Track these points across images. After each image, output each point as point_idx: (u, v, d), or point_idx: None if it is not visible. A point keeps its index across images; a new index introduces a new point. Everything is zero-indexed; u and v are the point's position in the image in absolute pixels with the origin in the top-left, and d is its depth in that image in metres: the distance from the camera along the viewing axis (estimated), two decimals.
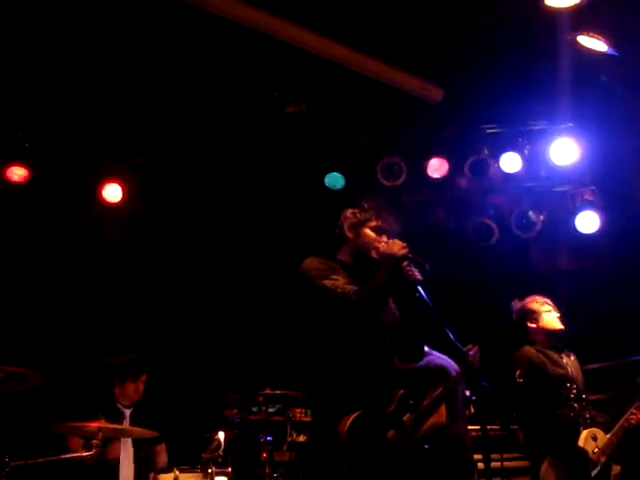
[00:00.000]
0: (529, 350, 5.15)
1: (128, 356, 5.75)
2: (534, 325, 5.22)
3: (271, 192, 7.24)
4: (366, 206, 3.89)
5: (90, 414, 5.12)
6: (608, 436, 4.86)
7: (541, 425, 4.93)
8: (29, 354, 6.05)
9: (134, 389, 5.64)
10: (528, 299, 5.31)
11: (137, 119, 6.76)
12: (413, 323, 3.71)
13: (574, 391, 4.99)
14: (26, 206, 6.86)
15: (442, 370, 5.10)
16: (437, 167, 6.95)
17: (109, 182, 7.03)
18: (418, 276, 3.59)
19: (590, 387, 5.25)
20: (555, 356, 5.12)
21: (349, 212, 3.90)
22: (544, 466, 4.85)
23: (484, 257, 7.15)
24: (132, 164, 7.17)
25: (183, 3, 5.36)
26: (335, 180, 6.71)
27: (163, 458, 5.60)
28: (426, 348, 5.17)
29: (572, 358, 5.21)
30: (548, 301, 5.26)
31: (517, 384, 4.95)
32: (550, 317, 5.21)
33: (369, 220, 3.82)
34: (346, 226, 3.86)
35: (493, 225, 7.09)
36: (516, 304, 5.36)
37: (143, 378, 5.69)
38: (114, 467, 5.21)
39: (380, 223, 3.82)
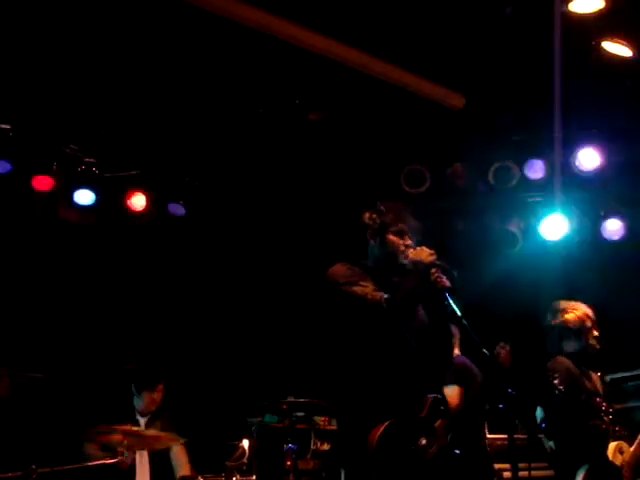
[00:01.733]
0: (566, 360, 5.09)
1: (144, 366, 5.71)
2: (575, 341, 5.11)
3: (294, 199, 7.24)
4: (383, 209, 3.87)
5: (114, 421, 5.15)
6: (632, 449, 4.82)
7: (574, 435, 4.88)
8: (52, 361, 6.10)
9: (151, 400, 5.58)
10: (580, 312, 5.12)
11: (155, 128, 6.80)
12: (442, 330, 3.69)
13: (604, 404, 4.96)
14: (49, 213, 6.93)
15: (469, 373, 5.08)
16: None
17: (134, 191, 7.07)
18: (447, 283, 3.57)
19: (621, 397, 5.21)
20: (584, 369, 5.10)
21: (367, 217, 3.87)
22: (580, 477, 4.79)
23: (508, 264, 7.11)
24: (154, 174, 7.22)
25: (208, 13, 5.39)
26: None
27: (182, 458, 5.54)
28: (457, 351, 5.16)
29: (596, 374, 5.19)
30: (593, 317, 5.16)
31: (554, 392, 4.90)
32: (593, 336, 5.13)
33: (390, 225, 3.79)
34: (368, 233, 3.84)
35: (517, 232, 7.05)
36: (567, 313, 5.16)
37: (160, 387, 5.63)
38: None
39: (401, 226, 3.79)
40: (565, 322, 5.08)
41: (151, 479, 5.34)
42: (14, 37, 5.66)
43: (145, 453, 5.32)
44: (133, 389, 5.60)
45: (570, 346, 5.11)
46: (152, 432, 5.21)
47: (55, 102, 6.40)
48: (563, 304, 5.13)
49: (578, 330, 5.06)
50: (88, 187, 6.92)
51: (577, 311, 5.10)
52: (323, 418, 5.86)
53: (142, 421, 5.57)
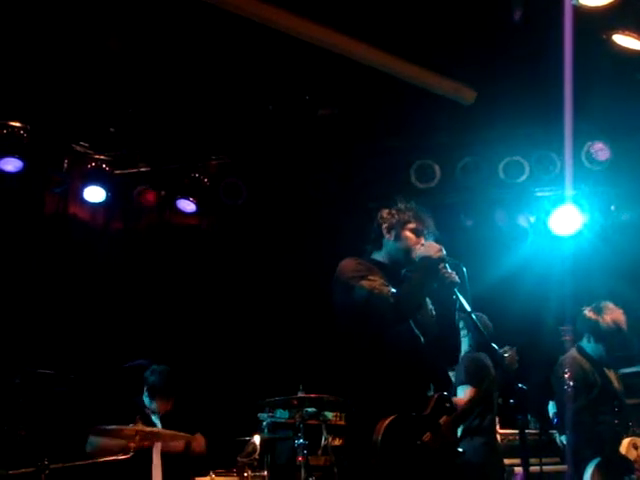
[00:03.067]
0: (578, 356, 5.10)
1: (160, 371, 5.69)
2: (602, 341, 5.13)
3: (303, 194, 7.24)
4: (403, 207, 3.88)
5: (126, 418, 5.17)
6: None
7: (586, 431, 4.88)
8: (66, 359, 6.12)
9: (163, 407, 5.55)
10: (618, 318, 5.12)
11: (165, 124, 6.82)
12: (450, 325, 3.70)
13: (617, 400, 4.96)
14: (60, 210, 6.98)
15: (482, 369, 5.07)
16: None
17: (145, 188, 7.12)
18: (455, 278, 3.59)
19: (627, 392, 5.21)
20: (598, 365, 5.11)
21: (386, 212, 3.89)
22: (590, 471, 4.80)
23: (519, 258, 7.09)
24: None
25: (219, 9, 5.40)
26: None
27: (200, 442, 5.52)
28: (468, 346, 5.14)
29: (613, 371, 5.18)
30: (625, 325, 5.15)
31: (565, 388, 4.90)
32: (620, 342, 5.14)
33: (408, 222, 3.81)
34: (385, 227, 3.85)
35: (527, 225, 7.03)
36: (607, 314, 5.14)
37: (172, 400, 5.58)
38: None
39: (418, 225, 3.81)
40: (600, 321, 5.11)
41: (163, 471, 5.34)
42: (24, 35, 5.69)
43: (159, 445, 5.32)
44: (146, 391, 5.57)
45: (594, 344, 5.11)
46: (166, 431, 5.23)
47: (66, 100, 6.43)
48: (609, 305, 5.16)
49: (610, 333, 5.07)
50: (99, 184, 6.97)
51: (616, 315, 5.12)
52: (334, 414, 5.86)
53: (155, 419, 5.57)
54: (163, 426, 5.44)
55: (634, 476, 4.77)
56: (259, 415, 5.87)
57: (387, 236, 3.83)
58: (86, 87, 6.32)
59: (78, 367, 5.26)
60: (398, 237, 3.80)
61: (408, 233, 3.79)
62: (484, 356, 5.09)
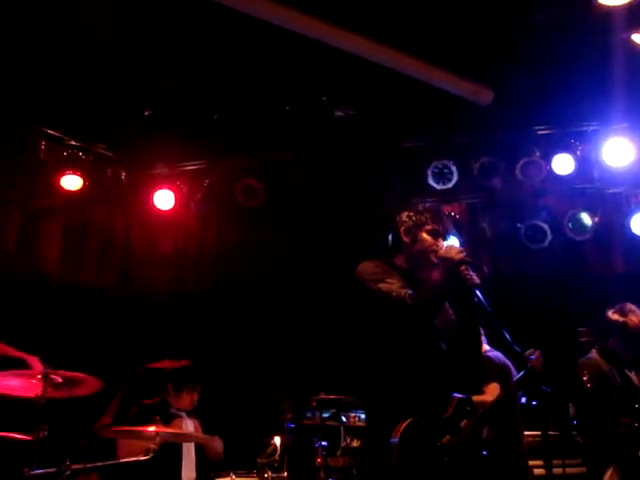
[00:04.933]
0: (597, 357, 5.09)
1: (181, 362, 5.76)
2: (626, 343, 5.10)
3: (321, 196, 7.24)
4: (421, 209, 3.88)
5: (145, 418, 5.20)
6: None
7: (604, 432, 4.86)
8: (83, 359, 6.14)
9: (190, 400, 5.60)
10: (637, 319, 5.10)
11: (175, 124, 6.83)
12: (472, 328, 3.69)
13: (638, 402, 4.93)
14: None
15: (504, 368, 5.06)
16: None
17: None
18: (476, 280, 3.56)
19: None
20: (619, 366, 5.08)
21: (405, 215, 3.88)
22: (608, 474, 4.79)
23: (537, 260, 7.06)
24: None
25: (234, 11, 5.40)
26: None
27: (218, 445, 5.54)
28: (487, 346, 5.13)
29: (634, 373, 5.15)
30: None
31: (584, 389, 4.89)
32: None
33: (425, 224, 3.80)
34: (402, 230, 3.84)
35: (546, 227, 6.99)
36: (634, 316, 5.10)
37: (199, 389, 5.67)
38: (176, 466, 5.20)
39: (436, 226, 3.80)
40: (628, 323, 5.08)
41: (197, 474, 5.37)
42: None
43: (192, 448, 5.34)
44: (170, 387, 5.60)
45: (617, 345, 5.10)
46: (185, 432, 5.24)
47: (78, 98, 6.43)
48: (632, 307, 5.13)
49: (634, 336, 5.05)
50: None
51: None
52: (353, 415, 5.86)
53: (184, 415, 5.58)
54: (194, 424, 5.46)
55: None
56: (279, 416, 5.86)
57: (405, 239, 3.82)
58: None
59: (99, 368, 5.27)
60: (415, 239, 3.79)
61: (425, 235, 3.78)
62: (502, 355, 5.09)
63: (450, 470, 3.42)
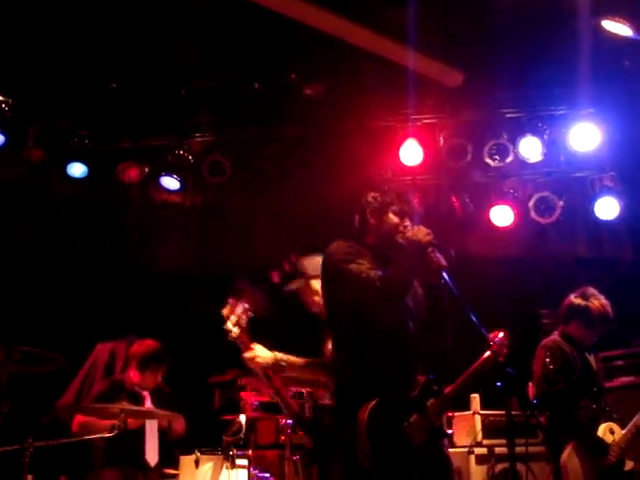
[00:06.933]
0: (558, 339, 5.17)
1: (147, 341, 5.70)
2: (586, 328, 5.17)
3: (288, 172, 7.21)
4: (386, 189, 3.87)
5: (109, 396, 5.17)
6: (624, 432, 4.90)
7: (564, 413, 4.96)
8: (46, 336, 6.08)
9: (153, 380, 5.57)
10: (606, 307, 5.14)
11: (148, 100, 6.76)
12: (440, 309, 3.71)
13: (596, 385, 5.03)
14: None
15: None
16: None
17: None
18: (443, 262, 3.56)
19: (610, 374, 5.28)
20: (580, 349, 5.18)
21: (370, 196, 3.87)
22: (566, 453, 4.90)
23: (502, 242, 7.12)
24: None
25: None
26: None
27: (181, 423, 5.54)
28: None
29: (592, 355, 5.24)
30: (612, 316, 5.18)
31: (546, 370, 4.96)
32: (602, 332, 5.20)
33: (390, 204, 3.79)
34: (368, 211, 3.84)
35: (511, 210, 7.05)
36: (595, 301, 5.16)
37: (164, 368, 5.63)
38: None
39: (402, 206, 3.79)
40: (589, 307, 5.13)
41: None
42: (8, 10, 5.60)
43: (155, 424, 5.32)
44: (135, 365, 5.57)
45: (578, 329, 5.17)
46: (150, 409, 5.22)
47: (49, 75, 6.34)
48: (594, 291, 5.19)
49: (596, 320, 5.11)
50: (80, 160, 6.92)
51: (603, 301, 5.15)
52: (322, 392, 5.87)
53: (145, 394, 5.55)
54: (153, 402, 5.45)
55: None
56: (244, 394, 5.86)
57: (371, 220, 3.81)
58: (69, 62, 6.24)
59: (62, 345, 5.21)
60: (381, 220, 3.79)
61: (391, 215, 3.77)
62: None
63: (417, 450, 3.45)
